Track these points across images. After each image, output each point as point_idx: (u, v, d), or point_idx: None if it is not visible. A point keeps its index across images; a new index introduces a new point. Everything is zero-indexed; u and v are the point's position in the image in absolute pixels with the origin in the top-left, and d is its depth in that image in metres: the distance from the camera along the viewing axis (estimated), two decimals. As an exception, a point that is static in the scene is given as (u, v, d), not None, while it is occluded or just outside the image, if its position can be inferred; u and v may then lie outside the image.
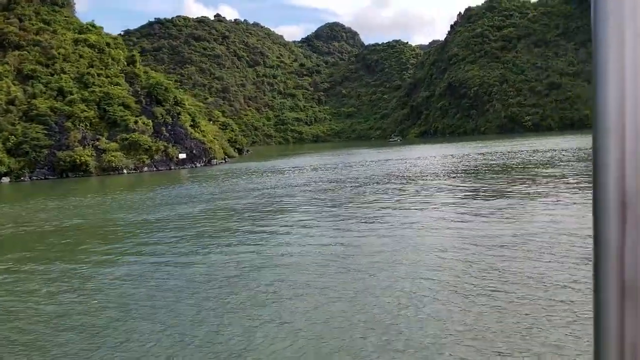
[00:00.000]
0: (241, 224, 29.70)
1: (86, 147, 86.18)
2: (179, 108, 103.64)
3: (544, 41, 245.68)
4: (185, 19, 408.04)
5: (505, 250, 18.39)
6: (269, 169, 78.19)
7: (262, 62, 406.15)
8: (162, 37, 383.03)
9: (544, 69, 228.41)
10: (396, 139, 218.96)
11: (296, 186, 48.84)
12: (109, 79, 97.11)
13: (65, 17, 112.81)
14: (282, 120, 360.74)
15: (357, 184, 46.65)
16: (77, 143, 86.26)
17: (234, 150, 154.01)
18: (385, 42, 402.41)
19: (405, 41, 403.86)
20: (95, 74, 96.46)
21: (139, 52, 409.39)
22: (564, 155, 64.10)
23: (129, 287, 17.37)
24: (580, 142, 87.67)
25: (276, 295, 15.27)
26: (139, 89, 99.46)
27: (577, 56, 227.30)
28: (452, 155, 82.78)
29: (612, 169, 0.58)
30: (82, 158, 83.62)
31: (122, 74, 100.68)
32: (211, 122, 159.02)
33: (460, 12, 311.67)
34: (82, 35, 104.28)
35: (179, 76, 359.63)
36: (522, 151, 77.48)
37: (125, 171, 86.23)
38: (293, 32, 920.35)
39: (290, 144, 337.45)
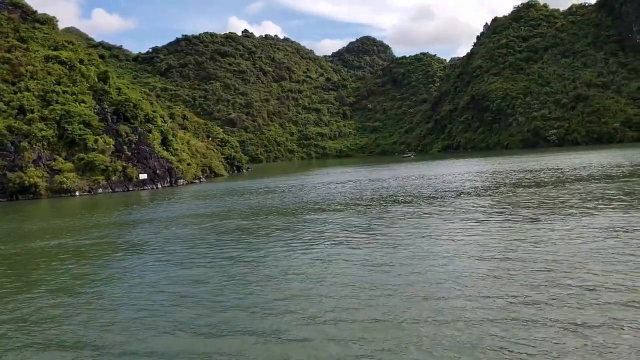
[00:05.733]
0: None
1: (39, 167, 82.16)
2: (150, 125, 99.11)
3: (572, 51, 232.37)
4: (213, 35, 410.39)
5: None
6: (234, 191, 71.86)
7: (287, 77, 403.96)
8: (188, 53, 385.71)
9: (570, 80, 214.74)
10: (410, 154, 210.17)
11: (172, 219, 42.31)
12: (74, 96, 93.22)
13: (45, 33, 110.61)
14: (305, 135, 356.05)
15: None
16: (31, 163, 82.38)
17: (231, 168, 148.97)
18: (412, 55, 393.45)
19: (433, 53, 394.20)
20: (61, 91, 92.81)
21: (165, 68, 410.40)
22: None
23: None
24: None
25: None
26: (106, 107, 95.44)
27: (607, 66, 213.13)
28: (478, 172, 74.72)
29: None
30: (31, 179, 79.52)
31: (90, 91, 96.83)
32: (209, 139, 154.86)
33: (486, 23, 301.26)
34: (55, 52, 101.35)
35: (203, 92, 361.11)
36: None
37: (77, 193, 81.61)
38: (335, 45, 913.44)
39: (313, 159, 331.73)
